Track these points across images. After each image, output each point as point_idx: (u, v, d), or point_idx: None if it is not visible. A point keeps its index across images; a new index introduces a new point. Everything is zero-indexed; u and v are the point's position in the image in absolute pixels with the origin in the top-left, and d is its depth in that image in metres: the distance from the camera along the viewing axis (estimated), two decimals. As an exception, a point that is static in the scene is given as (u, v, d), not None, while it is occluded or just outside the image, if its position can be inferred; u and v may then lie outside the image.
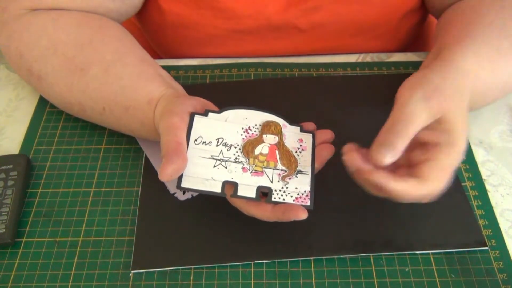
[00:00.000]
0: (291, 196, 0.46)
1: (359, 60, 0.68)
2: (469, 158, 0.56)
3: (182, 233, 0.50)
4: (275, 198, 0.46)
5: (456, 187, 0.53)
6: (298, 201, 0.46)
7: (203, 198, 0.52)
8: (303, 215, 0.44)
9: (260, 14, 0.65)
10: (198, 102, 0.50)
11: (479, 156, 0.56)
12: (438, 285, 0.47)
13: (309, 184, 0.47)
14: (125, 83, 0.53)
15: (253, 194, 0.46)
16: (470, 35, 0.53)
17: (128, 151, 0.57)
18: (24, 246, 0.50)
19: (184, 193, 0.53)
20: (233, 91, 0.63)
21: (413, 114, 0.44)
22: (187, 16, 0.65)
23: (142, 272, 0.48)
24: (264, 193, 0.46)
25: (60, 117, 0.61)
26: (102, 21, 0.59)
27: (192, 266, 0.48)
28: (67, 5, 0.58)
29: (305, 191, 0.47)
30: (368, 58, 0.68)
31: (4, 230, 0.49)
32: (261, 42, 0.68)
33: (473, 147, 0.57)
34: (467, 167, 0.55)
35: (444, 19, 0.60)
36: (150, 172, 0.55)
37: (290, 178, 0.47)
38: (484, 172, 0.55)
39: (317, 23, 0.66)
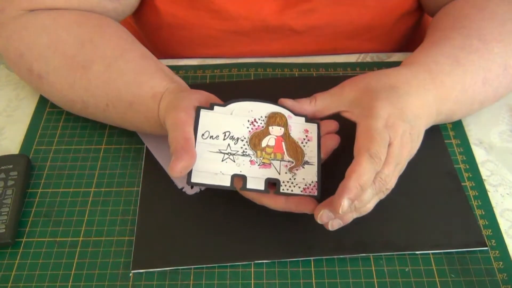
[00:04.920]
0: (299, 187, 0.47)
1: (359, 60, 0.68)
2: (469, 158, 0.56)
3: (182, 233, 0.50)
4: (283, 189, 0.46)
5: (456, 187, 0.53)
6: (305, 192, 0.46)
7: (204, 197, 0.52)
8: (313, 210, 0.45)
9: (256, 15, 0.65)
10: (202, 95, 0.50)
11: (479, 156, 0.56)
12: (438, 285, 0.47)
13: (316, 175, 0.47)
14: (128, 78, 0.53)
15: (261, 187, 0.46)
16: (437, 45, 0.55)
17: (128, 151, 0.57)
18: (24, 246, 0.50)
19: (192, 187, 0.53)
20: (233, 91, 0.63)
21: None
22: (183, 17, 0.65)
23: (142, 272, 0.48)
24: (272, 183, 0.47)
25: (60, 117, 0.61)
26: (102, 20, 0.59)
27: (192, 266, 0.48)
28: (65, 5, 0.58)
29: (312, 182, 0.47)
30: (368, 58, 0.68)
31: (4, 230, 0.49)
32: (257, 43, 0.68)
33: (473, 147, 0.57)
34: (467, 167, 0.55)
35: (433, 23, 0.62)
36: (150, 172, 0.55)
37: (297, 169, 0.47)
38: (484, 172, 0.55)
39: (313, 25, 0.66)
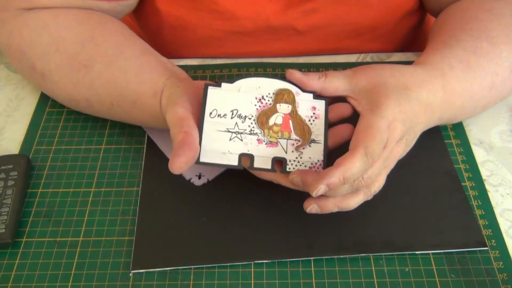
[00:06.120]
0: (305, 166, 0.47)
1: (359, 60, 0.68)
2: (469, 158, 0.56)
3: (182, 233, 0.50)
4: (289, 168, 0.47)
5: (456, 187, 0.53)
6: (312, 170, 0.47)
7: (204, 197, 0.52)
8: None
9: (259, 16, 0.65)
10: (199, 88, 0.50)
11: (479, 156, 0.56)
12: (438, 285, 0.47)
13: (323, 153, 0.48)
14: (129, 77, 0.53)
15: (268, 166, 0.47)
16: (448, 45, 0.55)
17: (128, 151, 0.57)
18: (24, 246, 0.50)
19: (199, 177, 0.53)
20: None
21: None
22: (185, 18, 0.65)
23: (142, 272, 0.48)
24: (279, 161, 0.47)
25: (60, 117, 0.61)
26: (102, 17, 0.59)
27: (192, 266, 0.48)
28: (62, 5, 0.58)
29: (318, 161, 0.47)
30: (368, 58, 0.68)
31: (4, 230, 0.49)
32: (260, 43, 0.68)
33: (473, 147, 0.57)
34: (467, 167, 0.55)
35: (438, 22, 0.61)
36: (150, 172, 0.55)
37: (303, 148, 0.48)
38: (484, 172, 0.55)
39: (315, 25, 0.66)
